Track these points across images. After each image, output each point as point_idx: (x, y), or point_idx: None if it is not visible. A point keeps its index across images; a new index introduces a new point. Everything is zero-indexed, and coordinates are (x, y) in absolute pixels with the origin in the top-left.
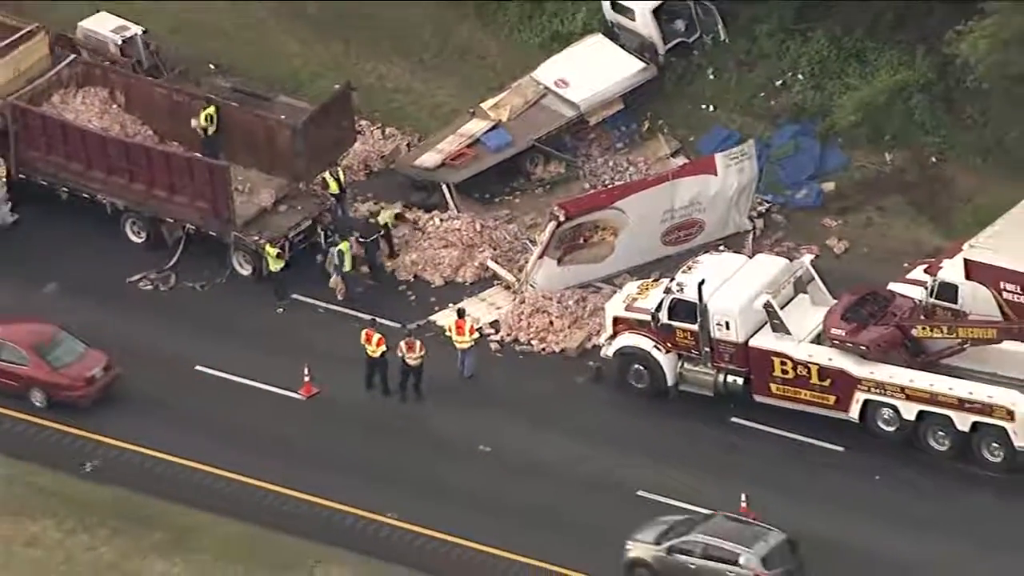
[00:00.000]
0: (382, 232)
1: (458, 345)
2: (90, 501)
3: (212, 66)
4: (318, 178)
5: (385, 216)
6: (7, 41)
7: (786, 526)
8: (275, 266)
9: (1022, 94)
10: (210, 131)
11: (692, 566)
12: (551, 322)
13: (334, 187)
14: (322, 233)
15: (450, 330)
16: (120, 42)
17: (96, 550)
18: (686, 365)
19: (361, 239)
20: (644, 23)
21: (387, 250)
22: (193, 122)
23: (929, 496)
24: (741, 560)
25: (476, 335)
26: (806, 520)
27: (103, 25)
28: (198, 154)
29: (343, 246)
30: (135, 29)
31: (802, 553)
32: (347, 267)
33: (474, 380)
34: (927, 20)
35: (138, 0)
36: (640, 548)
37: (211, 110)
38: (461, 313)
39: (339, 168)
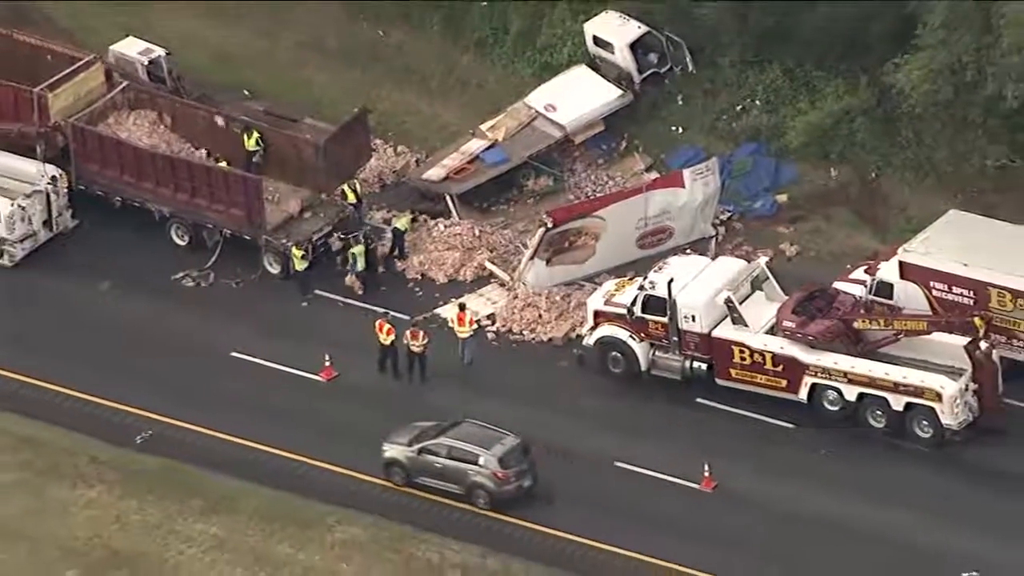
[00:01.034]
0: (396, 236)
1: (459, 335)
2: (139, 470)
3: (247, 92)
4: (338, 189)
5: (403, 222)
6: (68, 70)
7: (746, 493)
8: (300, 266)
9: (949, 118)
10: (258, 153)
11: (438, 465)
12: (540, 315)
13: (351, 197)
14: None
15: (452, 321)
16: (146, 62)
17: (144, 512)
18: (657, 353)
19: (368, 240)
20: (622, 56)
21: (398, 252)
22: (247, 143)
23: (867, 466)
24: (480, 460)
25: (475, 326)
26: (761, 487)
27: (131, 48)
28: (235, 169)
29: (357, 249)
30: (159, 51)
31: (533, 456)
32: (360, 267)
33: (473, 365)
34: (868, 54)
35: (185, 32)
36: (395, 449)
37: (257, 136)
38: (462, 307)
39: (356, 181)
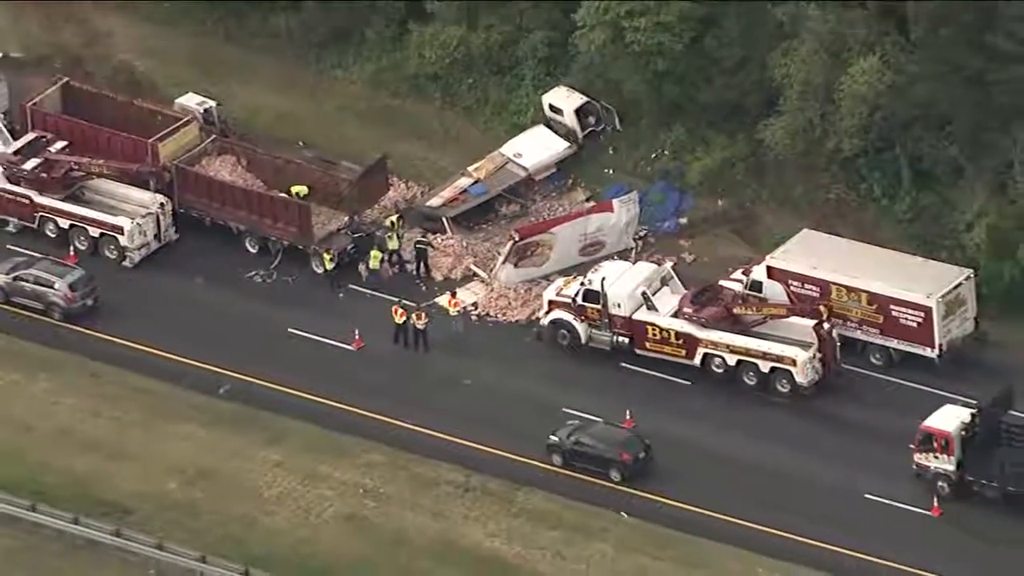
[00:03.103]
0: (420, 253)
1: (451, 313)
2: (221, 412)
3: (301, 143)
4: (367, 212)
5: (393, 242)
6: (173, 127)
7: (656, 430)
8: (328, 266)
9: (803, 164)
10: (303, 194)
11: (27, 288)
12: (510, 303)
13: (394, 244)
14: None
15: (448, 303)
16: (202, 111)
17: (224, 442)
18: (593, 331)
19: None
20: (570, 119)
21: (424, 266)
22: (295, 189)
23: (744, 412)
24: (56, 285)
25: (460, 308)
26: (667, 426)
27: (191, 100)
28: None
29: (374, 254)
30: (211, 103)
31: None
32: (375, 266)
33: (461, 336)
34: (745, 117)
35: (254, 99)
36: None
37: (304, 188)
38: (453, 293)
39: (401, 228)
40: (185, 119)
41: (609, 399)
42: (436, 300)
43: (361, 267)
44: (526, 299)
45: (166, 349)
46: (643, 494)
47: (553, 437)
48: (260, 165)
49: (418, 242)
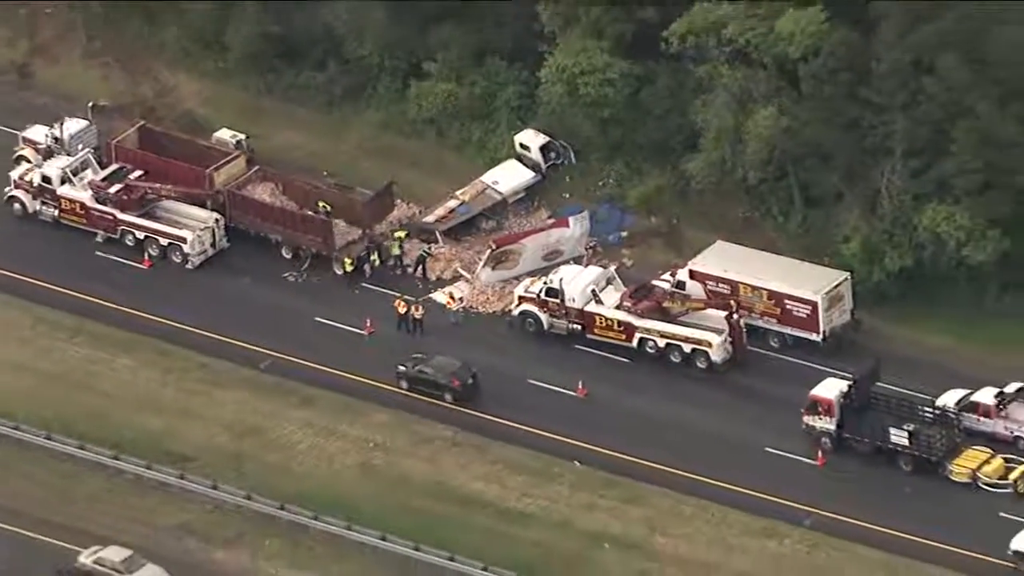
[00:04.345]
0: (420, 260)
1: (450, 307)
2: (263, 382)
3: (326, 173)
4: (378, 226)
5: (395, 248)
6: (225, 159)
7: (603, 398)
8: (348, 268)
9: (717, 190)
10: (327, 210)
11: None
12: (488, 298)
13: (395, 250)
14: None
15: (448, 302)
16: (234, 143)
17: (266, 406)
18: (553, 320)
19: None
20: (535, 154)
21: (422, 269)
22: (322, 205)
23: (671, 383)
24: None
25: (457, 305)
26: (611, 394)
27: (225, 134)
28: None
29: (374, 256)
30: (241, 136)
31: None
32: (377, 264)
33: (457, 327)
34: (672, 153)
35: (289, 139)
36: None
37: (327, 206)
38: (452, 295)
39: (402, 238)
40: (234, 154)
41: (565, 372)
42: (431, 295)
43: (366, 267)
44: (501, 295)
45: (220, 333)
46: (590, 446)
47: (401, 367)
48: (292, 189)
49: (422, 251)
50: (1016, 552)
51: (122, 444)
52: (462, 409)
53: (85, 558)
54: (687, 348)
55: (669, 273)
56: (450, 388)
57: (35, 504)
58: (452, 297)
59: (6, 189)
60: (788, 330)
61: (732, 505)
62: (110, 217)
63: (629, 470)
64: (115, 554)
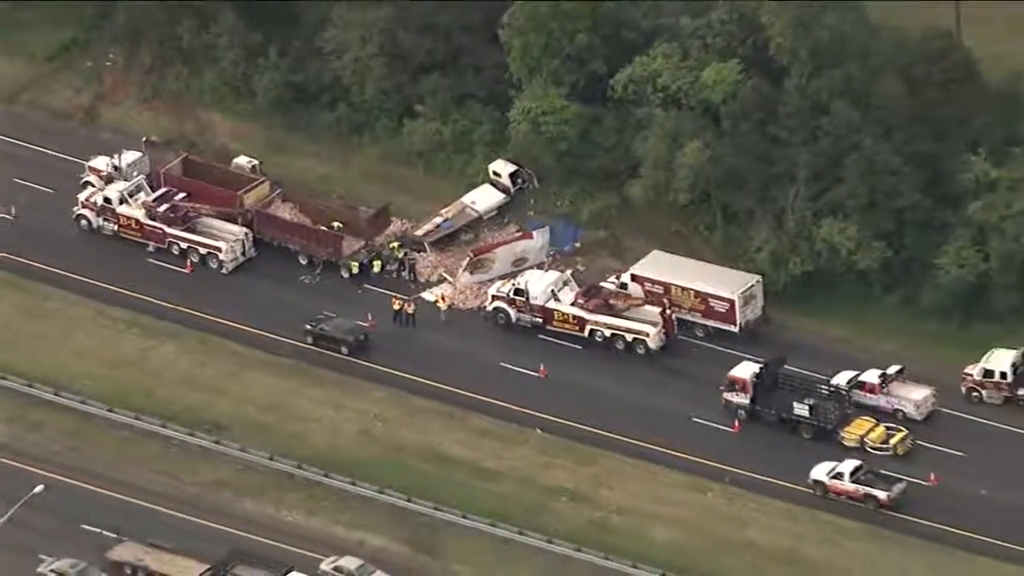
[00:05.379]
0: (411, 267)
1: (441, 307)
2: (284, 365)
3: (335, 195)
4: (377, 240)
5: (399, 253)
6: (252, 184)
7: (560, 377)
8: (354, 271)
9: (655, 209)
10: (338, 226)
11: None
12: (467, 297)
13: (399, 254)
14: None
15: (439, 301)
16: (250, 168)
17: (286, 385)
18: (520, 315)
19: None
20: (506, 179)
21: (412, 275)
22: (335, 224)
23: (616, 366)
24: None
25: (445, 304)
26: (567, 375)
27: (242, 160)
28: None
29: (376, 262)
30: (256, 161)
31: None
32: (376, 270)
33: (444, 322)
34: (616, 178)
35: (305, 165)
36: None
37: (339, 224)
38: (442, 296)
39: (389, 252)
40: (260, 179)
41: (529, 357)
42: (422, 295)
43: (378, 266)
44: (478, 294)
45: (248, 324)
46: (550, 417)
47: (307, 325)
48: (308, 209)
49: (407, 257)
50: (815, 480)
51: (168, 415)
52: (452, 388)
53: (326, 566)
54: (629, 337)
55: (614, 276)
56: (345, 342)
57: (101, 464)
58: (443, 297)
59: (75, 208)
60: (711, 323)
61: (665, 464)
62: (159, 231)
63: (581, 436)
64: (351, 563)
